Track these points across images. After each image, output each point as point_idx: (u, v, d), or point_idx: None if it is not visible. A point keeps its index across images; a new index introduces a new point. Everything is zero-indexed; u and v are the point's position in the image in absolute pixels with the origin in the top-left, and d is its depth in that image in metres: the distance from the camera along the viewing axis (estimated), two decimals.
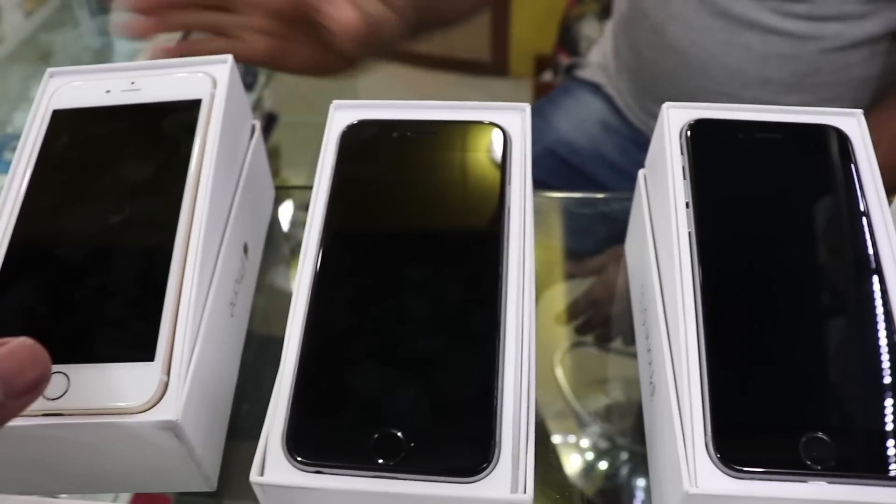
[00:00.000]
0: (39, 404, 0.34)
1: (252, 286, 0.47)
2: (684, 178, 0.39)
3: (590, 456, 0.49)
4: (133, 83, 0.43)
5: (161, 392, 0.35)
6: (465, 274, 0.36)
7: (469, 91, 1.99)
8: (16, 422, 0.33)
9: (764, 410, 0.33)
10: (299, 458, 0.32)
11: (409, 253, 0.37)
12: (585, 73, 0.90)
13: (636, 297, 0.46)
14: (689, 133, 0.40)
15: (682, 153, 0.39)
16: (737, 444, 0.32)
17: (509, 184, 0.39)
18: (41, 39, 1.11)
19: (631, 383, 0.44)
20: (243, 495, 0.35)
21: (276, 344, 0.36)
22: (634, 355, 0.45)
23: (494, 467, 0.31)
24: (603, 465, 0.49)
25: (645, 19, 0.77)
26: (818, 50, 0.70)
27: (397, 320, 0.35)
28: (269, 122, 1.30)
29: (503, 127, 0.41)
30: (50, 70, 0.44)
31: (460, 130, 0.41)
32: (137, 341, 0.36)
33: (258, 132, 0.48)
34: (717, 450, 0.31)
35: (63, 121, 0.42)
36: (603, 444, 0.50)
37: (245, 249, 0.45)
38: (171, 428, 0.34)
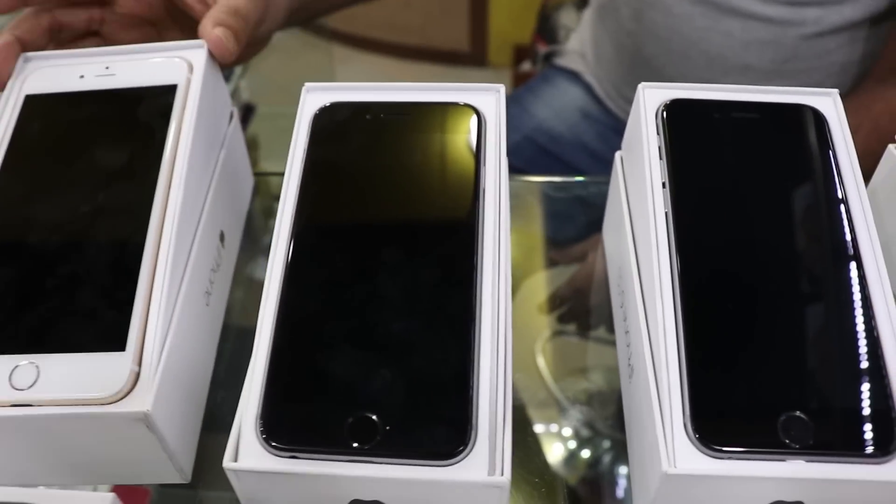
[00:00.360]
0: (8, 394, 0.34)
1: (229, 275, 0.46)
2: (661, 159, 0.38)
3: (571, 443, 0.49)
4: (107, 68, 0.42)
5: (132, 382, 0.34)
6: (440, 257, 0.36)
7: (448, 81, 1.98)
8: None
9: (741, 390, 0.32)
10: (273, 444, 0.31)
11: (384, 237, 0.37)
12: (564, 61, 0.90)
13: (614, 281, 0.46)
14: (664, 113, 0.40)
15: (658, 133, 0.39)
16: (715, 424, 0.32)
17: (484, 166, 0.39)
18: None
19: (612, 371, 0.44)
20: (221, 486, 0.35)
21: (254, 334, 0.35)
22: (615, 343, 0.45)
23: (471, 450, 0.31)
24: (584, 451, 0.49)
25: (624, 6, 0.77)
26: (798, 35, 0.70)
27: (371, 304, 0.35)
28: (247, 113, 1.28)
29: (477, 108, 0.41)
30: (24, 55, 0.44)
31: (434, 112, 0.41)
32: (108, 331, 0.35)
33: (236, 119, 0.47)
34: (695, 430, 0.31)
35: (36, 106, 0.42)
36: (584, 431, 0.50)
37: (221, 238, 0.44)
38: (142, 419, 0.33)
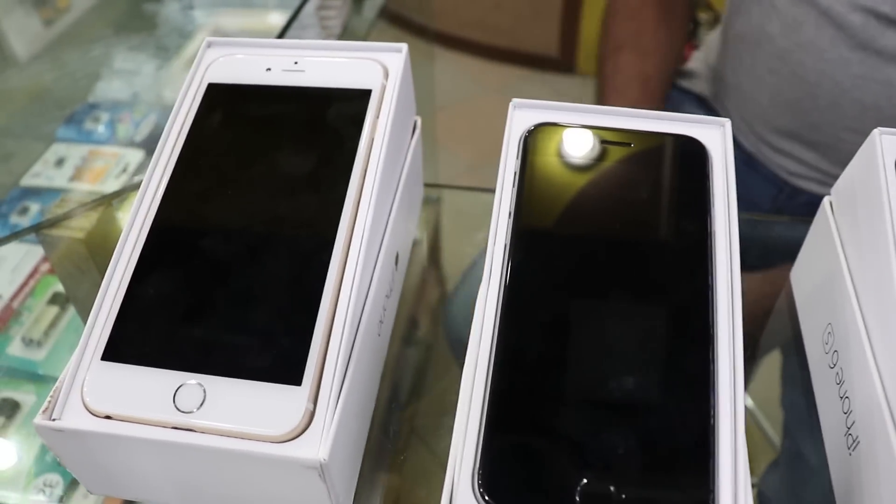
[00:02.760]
0: (172, 416, 0.30)
1: (397, 301, 0.42)
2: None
3: None
4: (296, 63, 0.39)
5: (307, 422, 0.31)
6: (674, 308, 0.33)
7: (535, 86, 1.95)
8: (145, 431, 0.30)
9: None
10: (492, 502, 0.28)
11: (608, 277, 0.34)
12: (690, 84, 0.85)
13: (815, 334, 0.43)
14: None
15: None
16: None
17: (713, 207, 0.35)
18: (115, 6, 1.08)
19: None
20: None
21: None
22: None
23: None
24: None
25: (769, 43, 0.72)
26: None
27: (600, 355, 0.31)
28: None
29: (703, 142, 0.37)
30: (208, 39, 0.40)
31: (657, 142, 0.37)
32: (284, 360, 0.32)
33: (419, 129, 0.43)
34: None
35: (219, 96, 0.38)
36: None
37: (396, 260, 0.40)
38: (316, 468, 0.30)
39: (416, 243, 0.58)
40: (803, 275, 0.46)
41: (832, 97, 0.68)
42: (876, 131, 0.37)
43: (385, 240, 0.37)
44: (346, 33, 1.17)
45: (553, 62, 2.03)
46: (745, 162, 0.79)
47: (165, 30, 1.03)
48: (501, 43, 2.02)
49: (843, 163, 0.41)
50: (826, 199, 0.42)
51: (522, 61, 2.04)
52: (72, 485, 0.48)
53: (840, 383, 0.37)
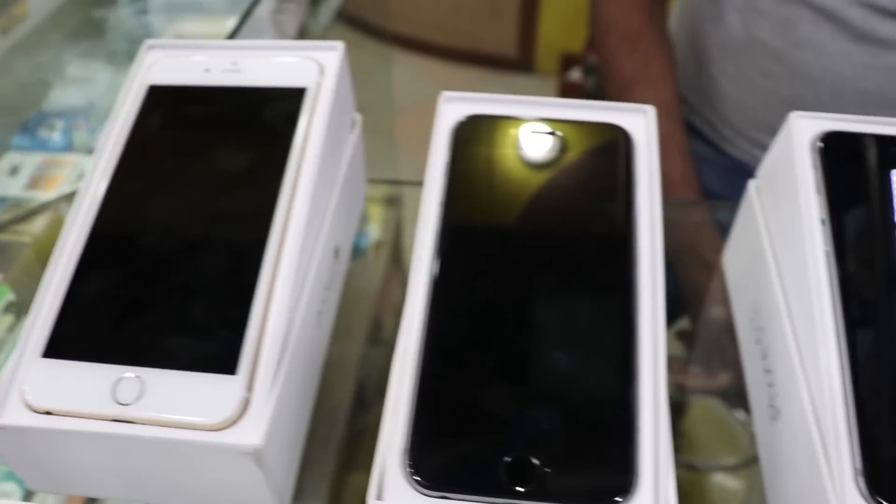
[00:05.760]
0: (111, 408, 0.31)
1: (338, 294, 0.43)
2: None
3: None
4: (235, 63, 0.40)
5: (241, 410, 0.31)
6: (595, 285, 0.34)
7: (494, 87, 1.96)
8: (85, 425, 0.31)
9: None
10: (420, 480, 0.29)
11: (536, 260, 0.35)
12: None
13: (744, 313, 0.45)
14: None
15: (815, 167, 0.37)
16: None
17: (637, 191, 0.37)
18: (70, 14, 1.07)
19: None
20: None
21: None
22: None
23: (634, 495, 0.29)
24: None
25: (760, 47, 0.73)
26: None
27: (525, 333, 0.33)
28: None
29: (626, 129, 0.39)
30: (148, 42, 0.41)
31: (583, 131, 0.39)
32: (220, 351, 0.32)
33: (359, 126, 0.44)
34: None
35: (159, 97, 0.39)
36: None
37: (336, 253, 0.41)
38: (251, 454, 0.31)
39: (379, 245, 0.59)
40: (733, 257, 0.48)
41: (835, 90, 0.70)
42: (792, 115, 0.39)
43: (323, 233, 0.38)
44: (303, 36, 1.18)
45: (512, 62, 2.05)
46: (734, 170, 0.79)
47: (119, 37, 1.03)
48: (461, 44, 2.03)
49: None
50: (751, 183, 0.44)
51: (482, 62, 2.05)
52: (29, 494, 0.48)
53: (764, 358, 0.39)
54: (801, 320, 0.35)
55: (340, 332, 0.43)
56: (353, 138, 0.44)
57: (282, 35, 1.10)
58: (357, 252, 0.51)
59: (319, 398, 0.39)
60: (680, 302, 0.58)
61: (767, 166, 0.42)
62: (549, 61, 1.99)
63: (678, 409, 0.52)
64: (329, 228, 0.39)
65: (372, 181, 0.50)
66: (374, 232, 0.60)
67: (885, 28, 0.66)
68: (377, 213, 0.61)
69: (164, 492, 0.35)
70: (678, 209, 0.64)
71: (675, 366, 0.54)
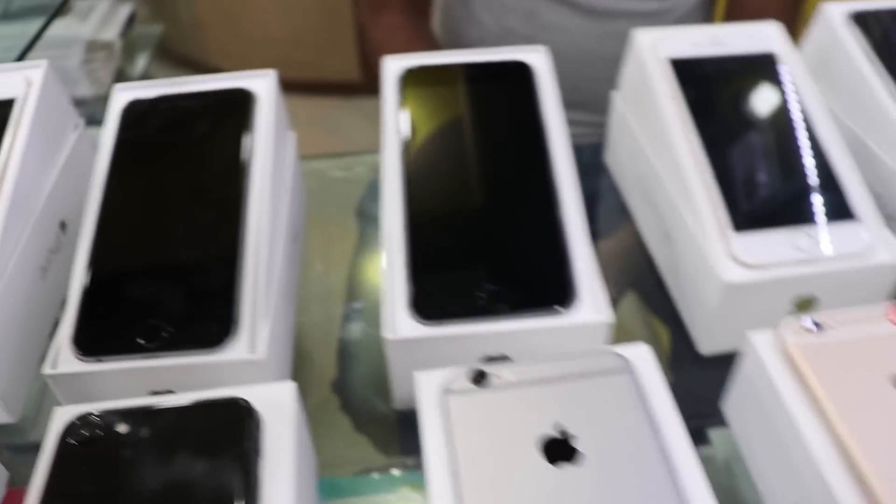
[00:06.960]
0: None
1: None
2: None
3: None
4: None
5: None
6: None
7: (347, 112, 2.00)
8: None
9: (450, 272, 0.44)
10: (83, 352, 0.40)
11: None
12: None
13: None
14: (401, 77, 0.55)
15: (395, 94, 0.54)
16: (428, 300, 0.42)
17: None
18: None
19: None
20: None
21: None
22: None
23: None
24: None
25: (512, 36, 0.86)
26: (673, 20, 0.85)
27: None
28: None
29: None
30: None
31: (212, 98, 0.52)
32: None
33: (82, 129, 0.54)
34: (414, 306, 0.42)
35: None
36: None
37: (62, 226, 0.50)
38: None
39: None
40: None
41: (582, 60, 0.85)
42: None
43: (40, 208, 0.48)
44: (122, 80, 1.24)
45: (358, 87, 2.13)
46: None
47: None
48: (308, 76, 2.10)
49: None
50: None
51: (331, 91, 2.12)
52: None
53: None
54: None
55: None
56: (75, 137, 0.54)
57: (98, 84, 1.17)
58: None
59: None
60: None
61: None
62: None
63: None
64: (46, 203, 0.48)
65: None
66: None
67: (604, 3, 0.83)
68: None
69: None
70: None
71: None
